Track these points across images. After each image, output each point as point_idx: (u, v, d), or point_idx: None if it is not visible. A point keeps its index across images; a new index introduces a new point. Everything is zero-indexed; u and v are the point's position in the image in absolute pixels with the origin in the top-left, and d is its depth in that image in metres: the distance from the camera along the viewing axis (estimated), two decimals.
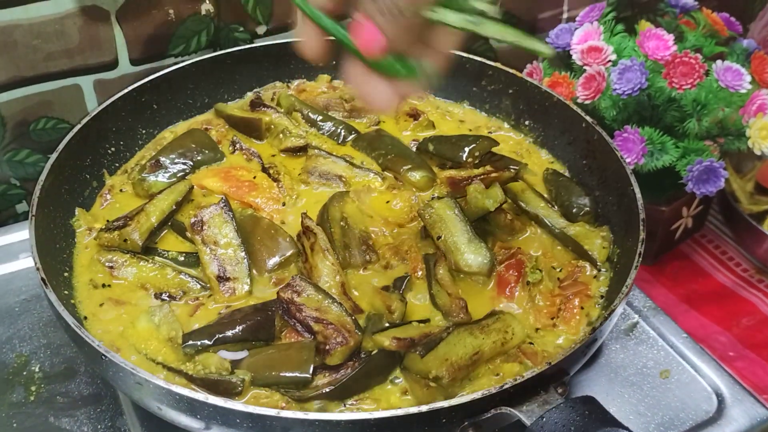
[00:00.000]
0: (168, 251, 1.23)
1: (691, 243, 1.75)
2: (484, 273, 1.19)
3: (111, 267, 1.20)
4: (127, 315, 1.13)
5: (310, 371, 1.04)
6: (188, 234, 1.22)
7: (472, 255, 1.19)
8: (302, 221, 1.22)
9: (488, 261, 1.19)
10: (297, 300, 1.10)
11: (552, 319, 1.15)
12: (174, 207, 1.27)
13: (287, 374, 1.05)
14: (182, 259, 1.22)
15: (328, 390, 1.03)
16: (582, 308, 1.16)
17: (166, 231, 1.27)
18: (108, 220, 1.25)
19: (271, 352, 1.08)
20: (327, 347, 1.07)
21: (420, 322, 1.13)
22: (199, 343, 1.07)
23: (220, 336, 1.08)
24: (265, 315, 1.10)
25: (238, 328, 1.08)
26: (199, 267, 1.20)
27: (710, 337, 1.57)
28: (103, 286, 1.18)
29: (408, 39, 0.84)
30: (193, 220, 1.21)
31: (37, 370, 1.25)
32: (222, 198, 1.24)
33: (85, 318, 1.13)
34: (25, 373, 1.24)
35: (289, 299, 1.11)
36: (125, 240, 1.21)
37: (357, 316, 1.12)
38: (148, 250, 1.23)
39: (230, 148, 1.41)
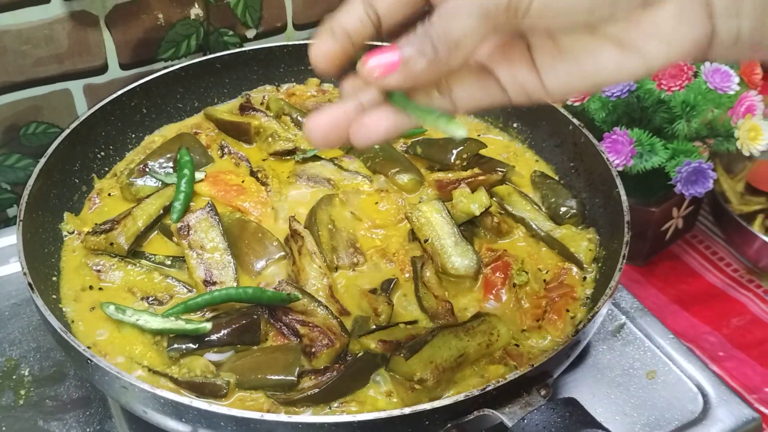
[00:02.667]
0: (155, 255, 1.23)
1: (681, 244, 1.76)
2: (470, 276, 1.20)
3: (98, 271, 1.20)
4: (114, 319, 1.13)
5: (296, 374, 1.05)
6: (175, 239, 1.23)
7: (458, 258, 1.20)
8: (290, 224, 1.23)
9: (475, 264, 1.20)
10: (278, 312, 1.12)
11: (537, 321, 1.16)
12: (161, 211, 1.28)
13: (273, 377, 1.05)
14: (169, 263, 1.22)
15: (313, 392, 1.03)
16: (567, 310, 1.16)
17: (154, 234, 1.27)
18: (96, 223, 1.26)
19: (256, 354, 1.09)
20: (313, 350, 1.07)
21: (408, 323, 1.13)
22: (184, 346, 1.08)
23: (206, 339, 1.08)
24: (251, 319, 1.11)
25: (224, 332, 1.09)
26: (186, 271, 1.20)
27: (700, 337, 1.57)
28: (90, 288, 1.19)
29: (431, 79, 0.74)
30: (179, 225, 1.21)
31: (26, 373, 1.25)
32: (208, 203, 1.24)
33: (72, 322, 1.14)
34: (14, 376, 1.25)
35: None
36: (111, 243, 1.21)
37: (343, 318, 1.13)
38: (135, 253, 1.23)
39: (219, 153, 1.41)
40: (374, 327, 1.12)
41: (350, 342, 1.10)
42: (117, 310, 1.11)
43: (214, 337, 1.09)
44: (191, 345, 1.08)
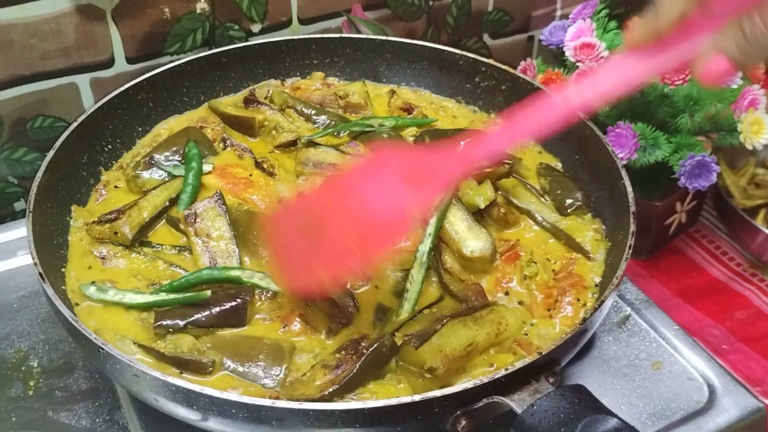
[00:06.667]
0: (161, 244, 1.24)
1: (685, 238, 1.76)
2: (487, 258, 1.20)
3: (103, 258, 1.21)
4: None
5: (277, 383, 1.06)
6: (181, 226, 1.23)
7: (473, 241, 1.21)
8: None
9: (490, 245, 1.20)
10: None
11: (548, 310, 1.16)
12: (167, 203, 1.28)
13: (258, 376, 1.07)
14: (175, 252, 1.23)
15: (333, 389, 1.01)
16: (578, 300, 1.17)
17: (161, 224, 1.28)
18: (102, 213, 1.27)
19: (245, 345, 1.10)
20: (333, 327, 1.11)
21: (431, 306, 1.14)
22: (170, 322, 1.09)
23: (191, 319, 1.10)
24: (238, 302, 1.12)
25: (210, 312, 1.11)
26: (191, 259, 1.21)
27: (704, 330, 1.58)
28: (90, 268, 1.20)
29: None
30: (186, 212, 1.22)
31: (35, 365, 1.26)
32: (217, 191, 1.25)
33: (77, 304, 1.15)
34: (23, 368, 1.25)
35: None
36: (116, 233, 1.22)
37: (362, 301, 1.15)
38: (142, 243, 1.24)
39: (221, 145, 1.42)
40: (400, 320, 1.13)
41: (372, 330, 1.12)
42: (98, 290, 1.14)
43: (200, 316, 1.10)
44: (178, 322, 1.10)
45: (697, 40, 0.85)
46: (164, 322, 1.09)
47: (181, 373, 1.06)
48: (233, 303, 1.12)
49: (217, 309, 1.11)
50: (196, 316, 1.10)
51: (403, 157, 1.04)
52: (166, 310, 1.12)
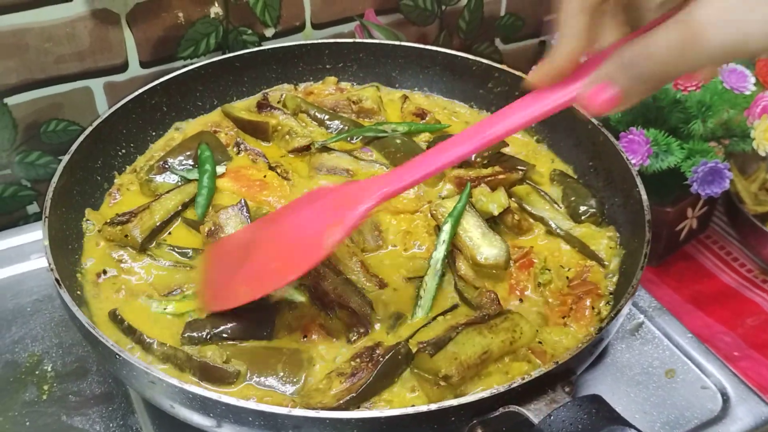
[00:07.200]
0: (174, 247, 1.24)
1: (696, 244, 1.76)
2: (501, 265, 1.21)
3: (120, 262, 1.22)
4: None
5: (293, 392, 1.06)
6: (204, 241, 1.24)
7: (487, 248, 1.21)
8: None
9: (504, 252, 1.21)
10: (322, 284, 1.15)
11: (563, 318, 1.16)
12: (180, 207, 1.28)
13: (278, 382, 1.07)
14: (191, 255, 1.23)
15: (349, 398, 1.02)
16: (593, 308, 1.17)
17: (174, 226, 1.28)
18: (117, 214, 1.27)
19: (265, 355, 1.10)
20: (351, 336, 1.11)
21: (445, 312, 1.15)
22: (196, 334, 1.10)
23: (216, 331, 1.10)
24: (265, 313, 1.12)
25: (237, 324, 1.10)
26: None
27: (715, 337, 1.58)
28: (105, 273, 1.21)
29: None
30: (208, 229, 1.22)
31: (49, 369, 1.26)
32: (241, 200, 1.25)
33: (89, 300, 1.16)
34: (37, 372, 1.26)
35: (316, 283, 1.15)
36: (126, 235, 1.22)
37: (382, 293, 1.17)
38: (158, 244, 1.25)
39: (234, 150, 1.42)
40: (413, 327, 1.13)
41: (387, 337, 1.12)
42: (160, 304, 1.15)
43: (228, 328, 1.10)
44: (203, 335, 1.10)
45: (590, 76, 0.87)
46: (190, 334, 1.10)
47: (201, 381, 1.06)
48: (262, 314, 1.12)
49: (246, 320, 1.11)
50: (222, 329, 1.10)
51: (324, 192, 1.11)
52: (195, 320, 1.12)
